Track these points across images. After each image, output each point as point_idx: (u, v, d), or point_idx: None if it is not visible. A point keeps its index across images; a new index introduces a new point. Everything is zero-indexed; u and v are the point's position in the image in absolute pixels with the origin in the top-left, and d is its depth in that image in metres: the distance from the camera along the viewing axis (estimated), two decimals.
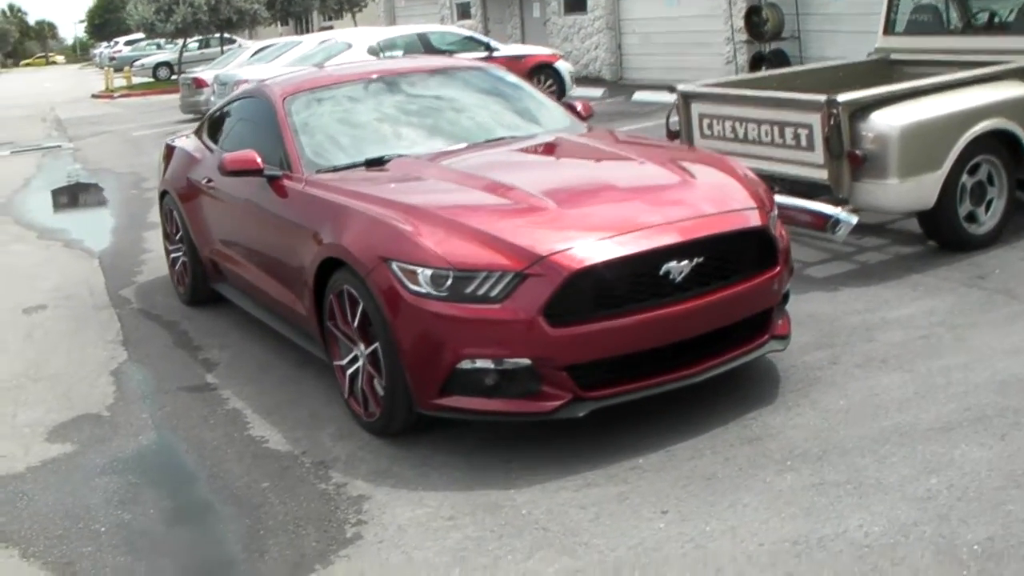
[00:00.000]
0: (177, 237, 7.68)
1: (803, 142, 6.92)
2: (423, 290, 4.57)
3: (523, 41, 22.11)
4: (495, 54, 16.64)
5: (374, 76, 6.59)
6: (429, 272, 4.56)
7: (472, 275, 4.50)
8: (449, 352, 4.55)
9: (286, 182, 5.75)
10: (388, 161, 5.71)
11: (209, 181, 6.80)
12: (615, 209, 4.83)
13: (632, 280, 4.55)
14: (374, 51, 15.99)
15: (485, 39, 16.95)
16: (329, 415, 5.38)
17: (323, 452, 5.01)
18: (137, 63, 40.32)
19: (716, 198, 5.01)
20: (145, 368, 6.48)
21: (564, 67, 17.17)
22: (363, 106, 6.31)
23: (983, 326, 5.72)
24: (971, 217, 6.99)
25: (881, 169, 6.60)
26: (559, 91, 17.03)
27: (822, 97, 6.68)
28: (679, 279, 4.60)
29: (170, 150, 8.00)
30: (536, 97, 6.69)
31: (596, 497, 4.30)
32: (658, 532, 3.97)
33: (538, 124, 6.35)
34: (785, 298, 5.30)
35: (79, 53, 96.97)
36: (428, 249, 4.60)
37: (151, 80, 39.15)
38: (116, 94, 34.47)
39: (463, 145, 5.95)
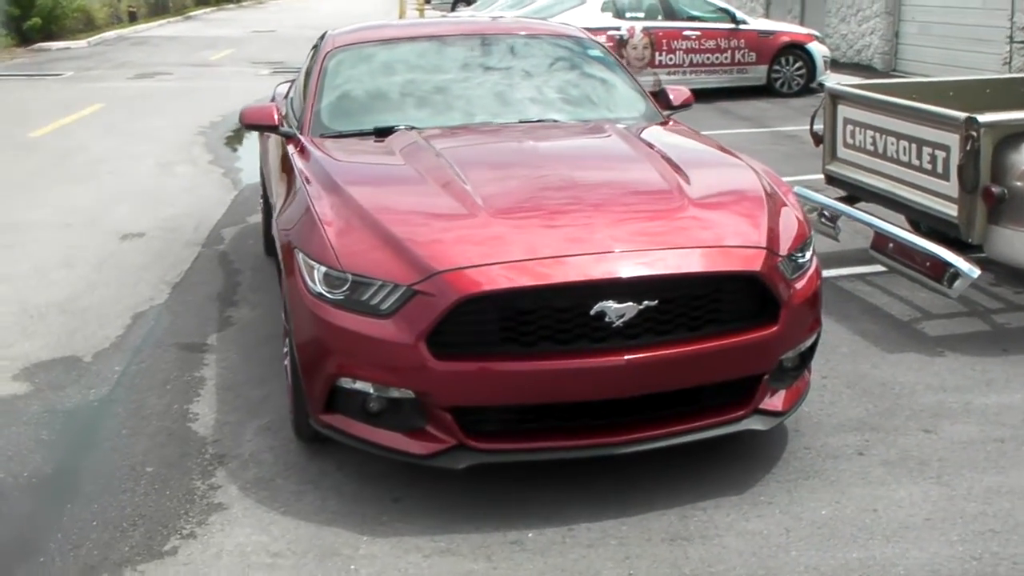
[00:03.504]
0: (261, 181, 7.38)
1: (939, 167, 5.62)
2: (317, 289, 3.92)
3: (801, 18, 20.42)
4: (743, 27, 15.32)
5: (435, 35, 5.93)
6: (323, 270, 3.90)
7: (368, 282, 3.79)
8: (331, 364, 3.88)
9: (291, 144, 5.23)
10: (394, 132, 5.06)
11: None
12: (561, 226, 3.95)
13: (551, 317, 3.69)
14: (609, 8, 15.09)
15: (732, 10, 15.63)
16: (278, 404, 4.86)
17: (233, 445, 4.51)
18: None
19: (705, 228, 4.01)
20: (168, 316, 6.20)
21: (818, 49, 15.55)
22: (408, 68, 5.67)
23: None
24: None
25: None
26: (808, 74, 15.51)
27: (962, 115, 5.37)
28: (618, 323, 3.68)
29: (274, 92, 7.68)
30: (613, 78, 5.76)
31: (441, 571, 3.52)
32: None
33: (596, 109, 5.47)
34: (801, 362, 4.22)
35: None
36: (329, 246, 3.94)
37: (444, 14, 39.53)
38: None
39: (487, 123, 5.23)
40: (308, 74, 5.97)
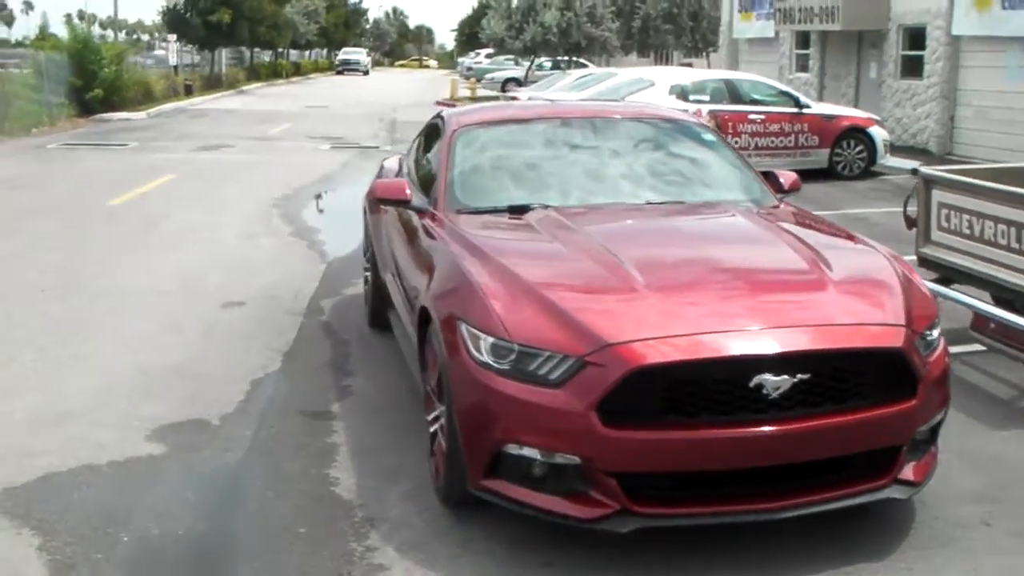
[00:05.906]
0: (367, 255, 7.63)
1: None
2: (483, 359, 4.13)
3: (856, 102, 20.80)
4: (806, 111, 15.65)
5: (558, 116, 6.21)
6: (491, 341, 4.12)
7: (536, 353, 4.01)
8: (498, 431, 4.07)
9: (427, 218, 5.48)
10: (530, 211, 5.31)
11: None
12: (717, 302, 4.18)
13: (714, 388, 3.89)
14: (676, 91, 15.46)
15: (796, 94, 15.99)
16: (415, 471, 5.00)
17: (380, 509, 4.68)
18: (488, 76, 41.96)
19: (850, 306, 4.22)
20: (285, 384, 6.41)
21: (878, 133, 15.87)
22: (535, 148, 5.94)
23: None
24: None
25: None
26: (869, 158, 15.80)
27: None
28: (775, 395, 3.88)
29: (380, 167, 7.98)
30: (727, 161, 6.02)
31: None
32: None
33: (715, 191, 5.72)
34: (931, 436, 4.40)
35: (453, 60, 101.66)
36: (496, 317, 4.16)
37: (496, 94, 40.59)
38: (457, 103, 35.95)
39: (616, 203, 5.48)
40: (429, 150, 6.24)
